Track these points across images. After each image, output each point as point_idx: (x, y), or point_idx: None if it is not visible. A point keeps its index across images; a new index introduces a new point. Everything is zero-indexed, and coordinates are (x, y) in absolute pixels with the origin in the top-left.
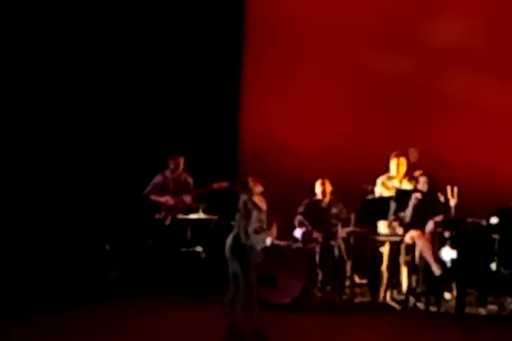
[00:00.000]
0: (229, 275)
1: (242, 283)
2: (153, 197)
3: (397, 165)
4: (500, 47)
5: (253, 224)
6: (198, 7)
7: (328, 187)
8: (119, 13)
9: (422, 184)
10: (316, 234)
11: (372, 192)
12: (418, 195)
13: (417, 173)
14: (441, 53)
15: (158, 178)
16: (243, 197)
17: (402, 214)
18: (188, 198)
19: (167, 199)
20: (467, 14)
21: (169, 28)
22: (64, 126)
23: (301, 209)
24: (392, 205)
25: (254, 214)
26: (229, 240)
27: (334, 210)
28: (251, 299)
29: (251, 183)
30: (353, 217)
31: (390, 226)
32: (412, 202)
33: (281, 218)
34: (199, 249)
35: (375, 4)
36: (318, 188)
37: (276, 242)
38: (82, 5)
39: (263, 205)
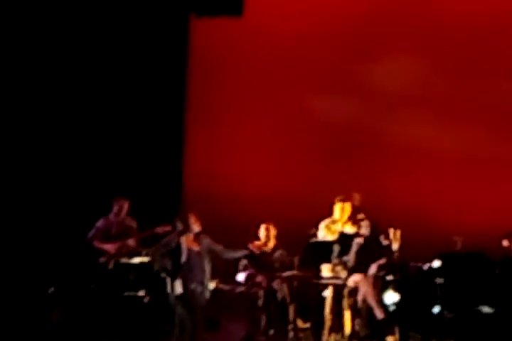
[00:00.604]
0: (175, 320)
1: (188, 327)
2: (96, 244)
3: (341, 209)
4: (443, 90)
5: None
6: (141, 48)
7: (272, 232)
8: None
9: (364, 228)
10: (259, 278)
11: (316, 235)
12: (360, 240)
13: (360, 217)
14: (384, 97)
15: (101, 222)
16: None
17: (345, 258)
18: (132, 242)
19: (109, 248)
20: (410, 57)
21: (113, 70)
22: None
23: (245, 252)
24: (336, 249)
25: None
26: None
27: (277, 254)
28: None
29: (191, 220)
30: (296, 260)
31: (333, 269)
32: (354, 247)
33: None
34: (142, 293)
35: (318, 48)
36: (262, 233)
37: (220, 286)
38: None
39: (194, 247)
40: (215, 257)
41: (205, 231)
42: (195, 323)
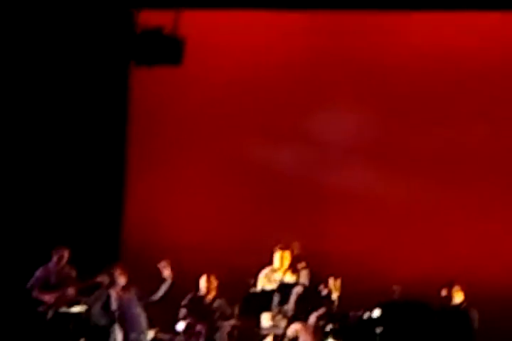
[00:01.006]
0: None
1: None
2: (35, 294)
3: (280, 258)
4: (382, 138)
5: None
6: (81, 96)
7: (213, 283)
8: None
9: (304, 277)
10: (199, 327)
11: (256, 284)
12: (299, 290)
13: (300, 266)
14: (324, 145)
15: (40, 271)
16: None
17: (285, 307)
18: (71, 291)
19: (48, 298)
20: (352, 106)
21: (53, 118)
22: None
23: (184, 302)
24: (276, 298)
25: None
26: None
27: (217, 304)
28: None
29: (117, 272)
30: (236, 309)
31: (273, 319)
32: (293, 297)
33: (160, 310)
34: None
35: (259, 97)
36: (202, 284)
37: (159, 335)
38: None
39: (114, 301)
40: (147, 304)
41: (144, 280)
42: None
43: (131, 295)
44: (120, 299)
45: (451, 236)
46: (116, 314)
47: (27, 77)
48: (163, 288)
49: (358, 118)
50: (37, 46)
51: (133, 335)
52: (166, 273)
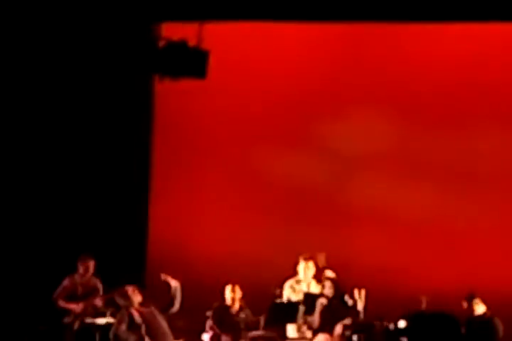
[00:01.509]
0: None
1: None
2: (61, 304)
3: (304, 269)
4: (407, 150)
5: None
6: (104, 110)
7: (238, 294)
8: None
9: (328, 288)
10: (224, 338)
11: (281, 295)
12: (323, 301)
13: (327, 275)
14: (348, 156)
15: (66, 282)
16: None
17: (310, 318)
18: (98, 302)
19: (75, 307)
20: (372, 117)
21: (78, 131)
22: None
23: (209, 313)
24: (301, 309)
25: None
26: None
27: (243, 315)
28: None
29: (129, 293)
30: (262, 320)
31: (299, 330)
32: (318, 308)
33: (183, 321)
34: None
35: (282, 109)
36: (227, 294)
37: None
38: None
39: (138, 318)
40: (169, 316)
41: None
42: None
43: (152, 309)
44: (142, 315)
45: (474, 246)
46: (143, 329)
47: (52, 90)
48: (178, 296)
49: (377, 127)
50: (63, 58)
51: None
52: (172, 282)
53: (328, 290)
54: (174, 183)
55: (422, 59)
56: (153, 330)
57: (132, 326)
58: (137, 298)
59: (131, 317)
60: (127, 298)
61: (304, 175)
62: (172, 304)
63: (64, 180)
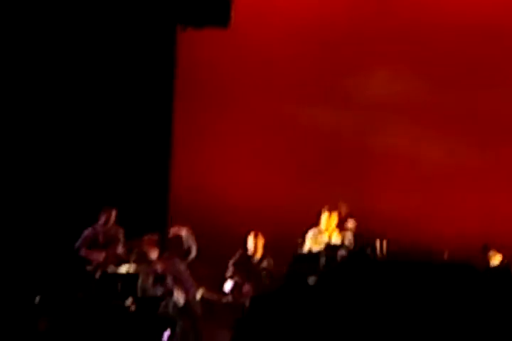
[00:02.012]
0: (175, 332)
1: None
2: (83, 253)
3: (327, 220)
4: (432, 101)
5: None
6: (127, 60)
7: (261, 241)
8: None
9: (348, 239)
10: (246, 287)
11: (303, 245)
12: (343, 252)
13: (349, 225)
14: (372, 107)
15: (88, 231)
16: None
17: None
18: (120, 250)
19: (96, 257)
20: (398, 68)
21: (101, 81)
22: None
23: (232, 261)
24: (322, 260)
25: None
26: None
27: (265, 264)
28: None
29: (145, 249)
30: (284, 270)
31: None
32: (338, 259)
33: (206, 270)
34: (129, 302)
35: (306, 58)
36: (250, 242)
37: (206, 295)
38: None
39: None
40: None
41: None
42: (198, 335)
43: (174, 259)
44: (165, 266)
45: (495, 197)
46: (170, 281)
47: (77, 40)
48: (192, 244)
49: (402, 79)
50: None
51: (189, 296)
52: (183, 232)
53: (349, 242)
54: (197, 131)
55: (449, 9)
56: (178, 281)
57: (158, 279)
58: (154, 251)
59: (153, 271)
60: (143, 254)
61: (328, 126)
62: (189, 252)
63: (86, 128)
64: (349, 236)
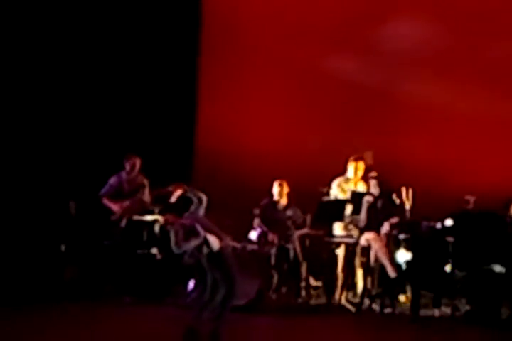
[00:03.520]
0: (207, 282)
1: (223, 289)
2: (106, 202)
3: (355, 169)
4: (455, 50)
5: None
6: (154, 7)
7: (285, 189)
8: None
9: (373, 187)
10: (271, 236)
11: (328, 194)
12: (369, 198)
13: (372, 175)
14: (396, 56)
15: (113, 180)
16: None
17: (357, 217)
18: (147, 198)
19: (115, 208)
20: (422, 17)
21: (126, 27)
22: (17, 123)
23: (257, 211)
24: (348, 208)
25: None
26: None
27: (290, 212)
28: (228, 304)
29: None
30: (308, 219)
31: (345, 228)
32: (364, 206)
33: (231, 220)
34: (155, 250)
35: (331, 7)
36: (275, 189)
37: (232, 244)
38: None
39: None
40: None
41: (217, 188)
42: (232, 284)
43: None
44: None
45: None
46: (202, 232)
47: None
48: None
49: (428, 28)
50: None
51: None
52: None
53: (374, 189)
54: (222, 81)
55: None
56: (208, 230)
57: (189, 233)
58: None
59: (183, 224)
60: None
61: (354, 75)
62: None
63: (113, 76)
64: (374, 184)
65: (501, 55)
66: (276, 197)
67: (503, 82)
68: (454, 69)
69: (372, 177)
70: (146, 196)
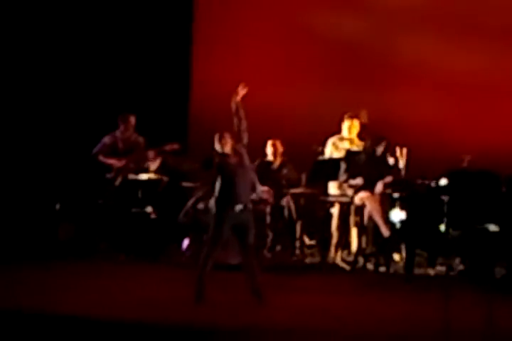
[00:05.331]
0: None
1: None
2: (101, 158)
3: (349, 127)
4: (451, 8)
5: None
6: None
7: (279, 148)
8: None
9: (368, 146)
10: (266, 194)
11: (323, 153)
12: (363, 157)
13: (365, 134)
14: (391, 15)
15: (107, 138)
16: None
17: (352, 181)
18: (151, 154)
19: (114, 162)
20: None
21: None
22: (13, 87)
23: None
24: (343, 166)
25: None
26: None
27: (285, 171)
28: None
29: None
30: (303, 177)
31: (340, 187)
32: (359, 165)
33: None
34: (149, 209)
35: None
36: (269, 149)
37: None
38: None
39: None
40: None
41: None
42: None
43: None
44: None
45: None
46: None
47: None
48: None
49: None
50: None
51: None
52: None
53: (369, 149)
54: (216, 39)
55: None
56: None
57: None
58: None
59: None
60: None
61: (350, 32)
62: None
63: (108, 34)
64: (369, 143)
65: (494, 12)
66: (269, 157)
67: (502, 35)
68: (452, 22)
69: (368, 136)
70: (153, 151)
